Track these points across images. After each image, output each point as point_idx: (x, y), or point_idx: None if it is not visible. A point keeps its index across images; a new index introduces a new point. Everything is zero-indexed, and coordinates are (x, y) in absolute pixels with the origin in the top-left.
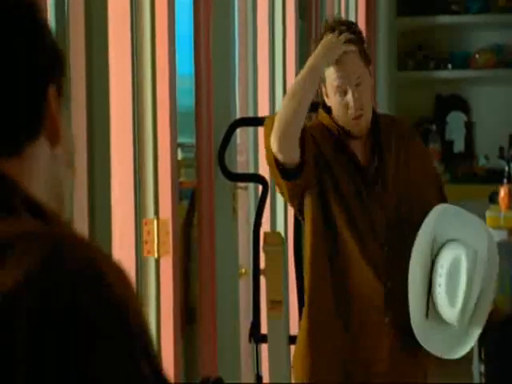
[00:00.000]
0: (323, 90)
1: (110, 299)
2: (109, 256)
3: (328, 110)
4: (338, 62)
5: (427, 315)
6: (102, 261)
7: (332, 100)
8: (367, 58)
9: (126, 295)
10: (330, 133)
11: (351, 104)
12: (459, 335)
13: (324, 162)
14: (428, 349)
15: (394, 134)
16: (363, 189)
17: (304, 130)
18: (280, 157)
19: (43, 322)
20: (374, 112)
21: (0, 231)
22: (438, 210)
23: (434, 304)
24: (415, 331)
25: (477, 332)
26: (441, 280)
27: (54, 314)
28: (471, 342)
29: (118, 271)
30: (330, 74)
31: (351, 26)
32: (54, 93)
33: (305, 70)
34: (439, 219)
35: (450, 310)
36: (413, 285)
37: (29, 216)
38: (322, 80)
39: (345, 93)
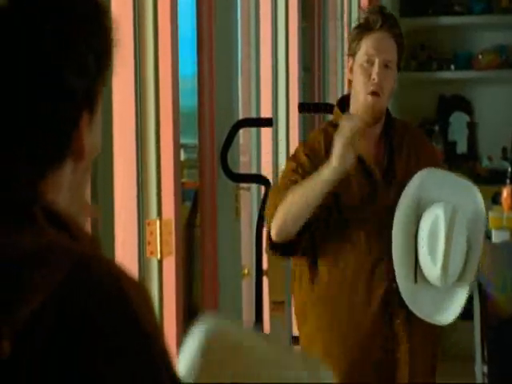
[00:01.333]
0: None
1: (126, 309)
2: (130, 274)
3: (343, 107)
4: (376, 37)
5: (416, 280)
6: (123, 277)
7: (355, 71)
8: (400, 58)
9: (143, 308)
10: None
11: (373, 76)
12: (446, 297)
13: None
14: (416, 312)
15: (407, 136)
16: (370, 191)
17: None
18: (275, 238)
19: (59, 327)
20: (390, 115)
21: (26, 241)
22: (422, 174)
23: (420, 268)
24: (403, 295)
25: (463, 293)
26: (423, 243)
27: (68, 320)
28: (458, 304)
29: (136, 286)
30: (365, 45)
31: (392, 22)
32: (86, 119)
33: (319, 180)
34: (422, 183)
35: (432, 269)
36: (396, 250)
37: (50, 226)
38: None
39: (372, 64)
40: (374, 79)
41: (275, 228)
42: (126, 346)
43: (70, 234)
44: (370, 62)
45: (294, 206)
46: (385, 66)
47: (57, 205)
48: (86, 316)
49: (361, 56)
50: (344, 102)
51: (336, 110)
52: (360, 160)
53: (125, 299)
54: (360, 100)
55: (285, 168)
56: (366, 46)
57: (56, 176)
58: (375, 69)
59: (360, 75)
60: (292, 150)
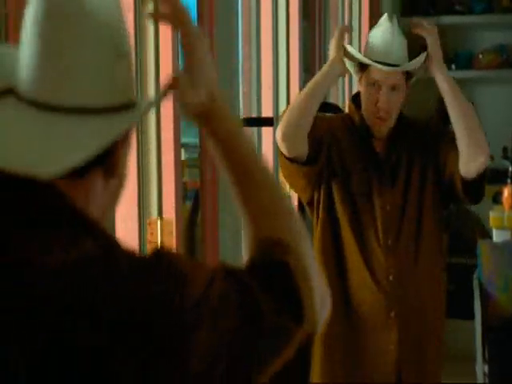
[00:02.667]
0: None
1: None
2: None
3: (357, 103)
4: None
5: None
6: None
7: (363, 90)
8: (410, 73)
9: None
10: (353, 125)
11: (380, 104)
12: None
13: (338, 154)
14: None
15: (412, 137)
16: (374, 184)
17: (322, 121)
18: (284, 150)
19: (61, 326)
20: (401, 116)
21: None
22: None
23: None
24: None
25: None
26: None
27: (74, 316)
28: None
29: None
30: (372, 67)
31: None
32: (123, 135)
33: (319, 75)
34: None
35: None
36: None
37: (74, 227)
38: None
39: (378, 90)
40: (379, 107)
41: (280, 128)
42: (133, 344)
43: (92, 236)
44: (377, 85)
45: (297, 101)
46: (392, 89)
47: (85, 210)
48: (94, 312)
49: (367, 76)
50: (358, 98)
51: (350, 104)
52: (371, 153)
53: (133, 296)
54: (367, 117)
55: None
56: (372, 68)
57: (88, 180)
58: (382, 96)
59: (367, 99)
60: None
